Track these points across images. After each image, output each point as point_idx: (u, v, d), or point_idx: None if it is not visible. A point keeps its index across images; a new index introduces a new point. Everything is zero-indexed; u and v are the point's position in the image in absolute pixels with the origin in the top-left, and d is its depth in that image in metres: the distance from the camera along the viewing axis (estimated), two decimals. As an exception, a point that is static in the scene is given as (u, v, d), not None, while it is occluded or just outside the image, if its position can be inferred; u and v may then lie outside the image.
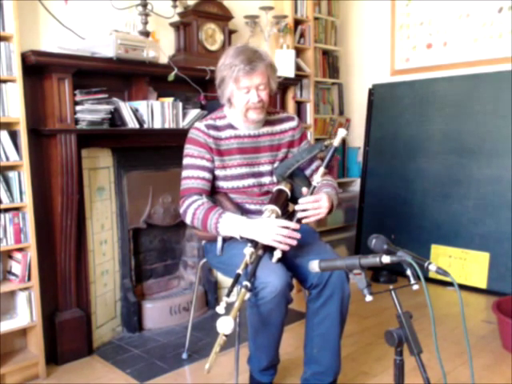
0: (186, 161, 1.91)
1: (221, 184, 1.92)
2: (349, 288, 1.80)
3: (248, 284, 1.58)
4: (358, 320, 2.79)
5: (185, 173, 1.90)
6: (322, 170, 1.80)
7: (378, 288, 1.32)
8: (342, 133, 1.76)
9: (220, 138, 1.89)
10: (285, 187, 1.85)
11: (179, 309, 2.80)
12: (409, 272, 1.26)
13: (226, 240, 1.88)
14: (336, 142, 1.76)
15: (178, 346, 2.49)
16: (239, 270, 1.61)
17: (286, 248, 1.67)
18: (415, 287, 1.26)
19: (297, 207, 1.74)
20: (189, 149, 1.91)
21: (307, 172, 1.99)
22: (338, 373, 1.88)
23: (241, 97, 1.80)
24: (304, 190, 1.81)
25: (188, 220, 1.84)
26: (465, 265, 3.35)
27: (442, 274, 1.24)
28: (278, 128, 1.97)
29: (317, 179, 1.79)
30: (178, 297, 2.86)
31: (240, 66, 1.74)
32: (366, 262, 1.30)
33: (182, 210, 1.86)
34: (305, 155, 1.89)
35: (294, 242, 1.67)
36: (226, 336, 1.43)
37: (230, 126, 1.91)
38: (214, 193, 1.93)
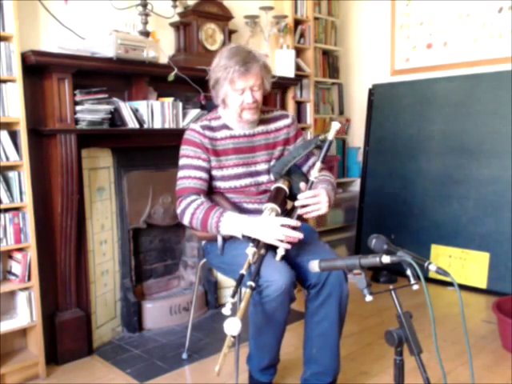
0: (182, 161, 1.91)
1: (218, 184, 1.93)
2: (347, 288, 1.80)
3: (253, 284, 1.58)
4: (358, 320, 2.79)
5: (181, 173, 1.89)
6: (318, 164, 1.79)
7: (378, 288, 1.32)
8: (335, 126, 1.75)
9: (215, 138, 1.89)
10: (282, 185, 1.86)
11: (179, 309, 2.80)
12: (409, 272, 1.26)
13: (226, 240, 1.88)
14: (330, 135, 1.76)
15: (178, 346, 2.49)
16: (243, 271, 1.61)
17: (288, 246, 1.67)
18: (415, 287, 1.26)
19: (296, 203, 1.74)
20: (185, 149, 1.91)
21: (304, 168, 1.99)
22: (337, 372, 1.88)
23: (235, 98, 1.81)
24: (302, 185, 1.80)
25: (186, 220, 1.82)
26: (465, 265, 3.35)
27: (442, 274, 1.24)
28: (272, 126, 1.97)
29: (314, 174, 1.78)
30: (178, 297, 2.86)
31: (235, 68, 1.74)
32: (366, 262, 1.30)
33: (179, 211, 1.84)
34: (301, 151, 1.89)
35: (296, 240, 1.67)
36: (233, 337, 1.44)
37: (225, 127, 1.91)
38: (210, 193, 1.93)
